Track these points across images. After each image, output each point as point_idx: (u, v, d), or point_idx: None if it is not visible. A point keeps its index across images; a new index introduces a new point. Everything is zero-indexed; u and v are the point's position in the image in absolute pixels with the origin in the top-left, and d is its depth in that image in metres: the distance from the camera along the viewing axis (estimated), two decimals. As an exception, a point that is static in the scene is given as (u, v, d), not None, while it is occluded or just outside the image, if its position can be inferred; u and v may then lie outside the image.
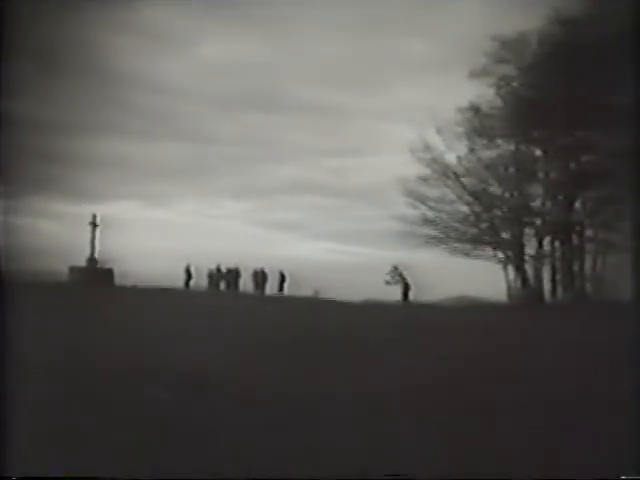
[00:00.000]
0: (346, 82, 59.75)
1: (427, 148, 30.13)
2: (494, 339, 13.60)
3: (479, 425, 6.46)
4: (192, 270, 33.44)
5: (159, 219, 58.66)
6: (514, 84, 30.27)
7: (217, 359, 9.68)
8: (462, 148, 30.46)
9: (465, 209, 30.67)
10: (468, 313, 22.11)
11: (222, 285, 33.71)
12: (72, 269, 29.96)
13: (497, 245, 30.62)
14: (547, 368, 9.85)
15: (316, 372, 8.94)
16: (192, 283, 33.37)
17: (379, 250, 40.67)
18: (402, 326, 15.52)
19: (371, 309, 22.36)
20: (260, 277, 32.89)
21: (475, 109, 30.11)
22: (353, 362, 9.90)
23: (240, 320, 16.36)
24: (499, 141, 30.57)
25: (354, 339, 12.59)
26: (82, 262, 30.47)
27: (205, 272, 33.80)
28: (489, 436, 6.04)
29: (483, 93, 29.66)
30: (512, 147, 30.72)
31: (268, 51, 58.60)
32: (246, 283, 33.07)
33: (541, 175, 30.69)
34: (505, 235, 30.75)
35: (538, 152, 30.87)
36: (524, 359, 10.75)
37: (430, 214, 30.52)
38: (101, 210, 31.40)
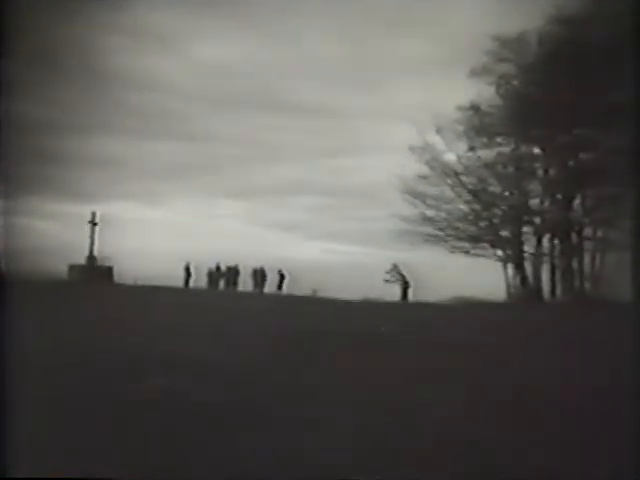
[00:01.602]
0: (346, 82, 59.82)
1: (427, 147, 30.15)
2: (492, 337, 13.62)
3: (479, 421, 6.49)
4: (191, 269, 33.53)
5: (159, 218, 58.79)
6: (514, 83, 30.29)
7: (213, 355, 9.70)
8: (462, 147, 30.55)
9: (464, 207, 30.71)
10: (467, 311, 22.12)
11: (221, 284, 33.79)
12: (72, 267, 30.06)
13: (496, 243, 30.63)
14: (545, 367, 9.86)
15: (310, 368, 8.96)
16: (192, 281, 33.47)
17: (378, 249, 40.77)
18: (399, 323, 15.53)
19: (369, 307, 22.36)
20: (259, 276, 32.98)
21: (475, 108, 30.11)
22: (346, 358, 9.92)
23: (237, 317, 16.38)
24: (499, 139, 30.59)
25: (349, 335, 12.63)
26: (82, 260, 30.56)
27: (205, 271, 33.91)
28: (488, 435, 6.06)
29: (483, 92, 29.70)
30: (511, 145, 30.73)
31: (267, 51, 58.65)
32: (245, 282, 33.19)
33: (540, 173, 30.72)
34: (504, 233, 30.77)
35: (537, 150, 30.89)
36: (522, 358, 10.76)
37: (430, 213, 30.59)
38: (101, 209, 31.54)
